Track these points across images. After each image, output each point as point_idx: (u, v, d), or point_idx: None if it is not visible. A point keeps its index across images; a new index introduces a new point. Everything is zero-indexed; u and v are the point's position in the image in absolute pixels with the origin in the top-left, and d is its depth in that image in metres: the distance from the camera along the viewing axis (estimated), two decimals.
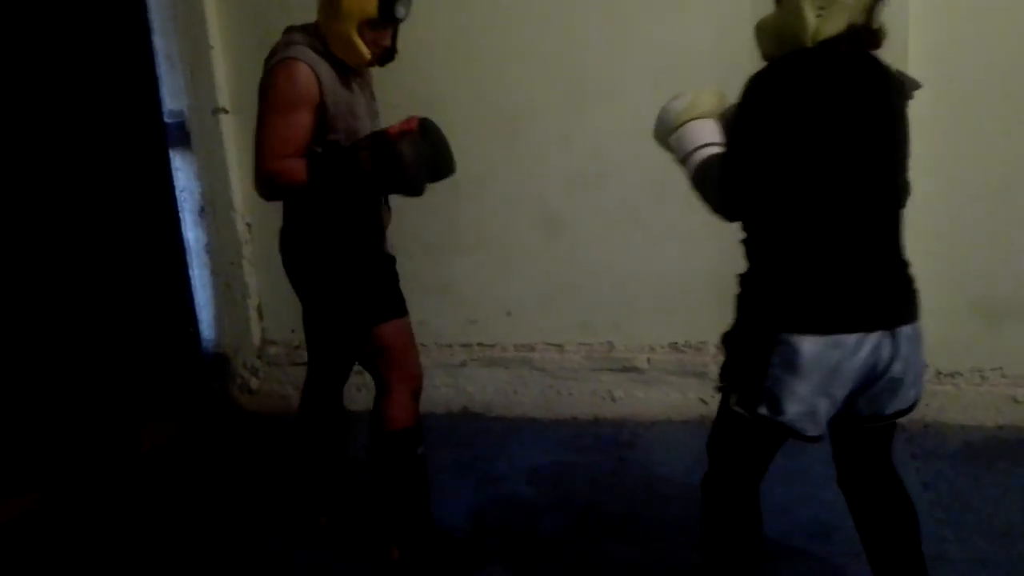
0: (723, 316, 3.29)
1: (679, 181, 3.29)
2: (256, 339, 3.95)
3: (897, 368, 1.63)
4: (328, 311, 2.42)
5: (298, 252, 2.38)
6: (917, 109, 1.67)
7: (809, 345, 1.57)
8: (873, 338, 1.59)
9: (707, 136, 1.73)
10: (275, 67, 2.17)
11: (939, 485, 2.72)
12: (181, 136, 3.72)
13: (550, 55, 3.33)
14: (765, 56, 1.68)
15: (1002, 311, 3.14)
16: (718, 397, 1.80)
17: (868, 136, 1.58)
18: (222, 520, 2.87)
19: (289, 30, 2.29)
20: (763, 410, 1.64)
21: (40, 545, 2.78)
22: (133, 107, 3.61)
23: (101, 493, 3.10)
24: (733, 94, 1.71)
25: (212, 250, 3.84)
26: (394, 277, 2.49)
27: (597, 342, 3.52)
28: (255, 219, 3.80)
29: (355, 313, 2.35)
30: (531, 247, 3.50)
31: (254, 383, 3.95)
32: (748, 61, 1.72)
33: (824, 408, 1.63)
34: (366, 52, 2.21)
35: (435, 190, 2.47)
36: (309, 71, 2.15)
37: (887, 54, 1.68)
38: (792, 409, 1.62)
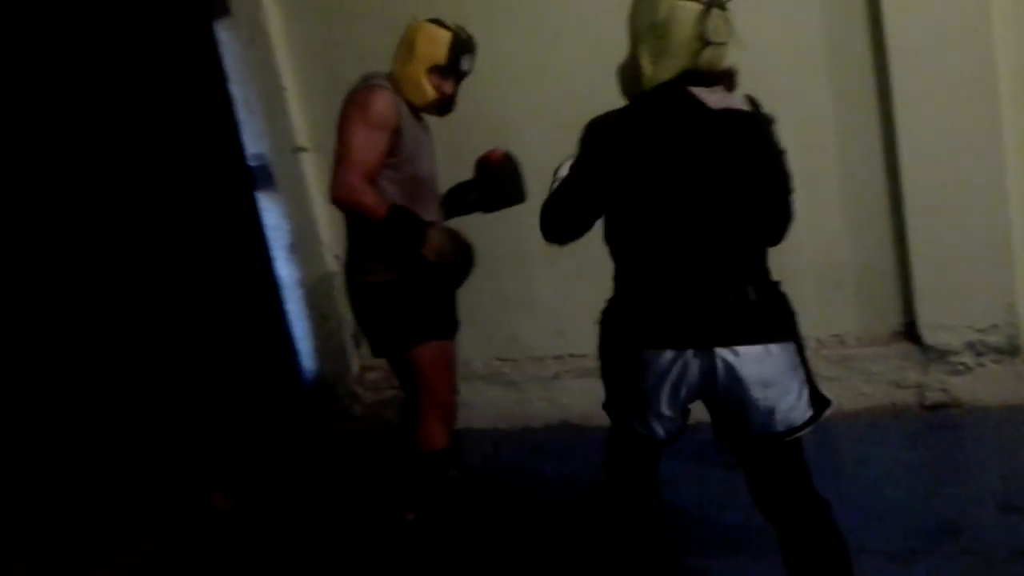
0: (838, 312, 3.23)
1: (814, 173, 3.22)
2: (355, 366, 4.04)
3: (731, 388, 1.70)
4: (370, 328, 2.59)
5: (354, 274, 2.60)
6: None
7: (636, 357, 1.75)
8: (684, 355, 1.71)
9: (562, 172, 1.91)
10: (363, 91, 2.46)
11: None
12: (265, 177, 3.85)
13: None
14: (623, 94, 1.88)
15: None
16: None
17: (679, 172, 1.71)
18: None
19: (368, 75, 2.57)
20: (612, 411, 1.89)
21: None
22: (218, 154, 3.76)
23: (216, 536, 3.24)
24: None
25: (305, 284, 3.96)
26: (440, 298, 2.59)
27: None
28: (343, 251, 3.88)
29: (393, 332, 2.53)
30: None
31: (356, 409, 4.04)
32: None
33: (648, 413, 1.79)
34: (431, 92, 2.52)
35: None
36: (392, 98, 2.46)
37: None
38: (629, 412, 1.83)
